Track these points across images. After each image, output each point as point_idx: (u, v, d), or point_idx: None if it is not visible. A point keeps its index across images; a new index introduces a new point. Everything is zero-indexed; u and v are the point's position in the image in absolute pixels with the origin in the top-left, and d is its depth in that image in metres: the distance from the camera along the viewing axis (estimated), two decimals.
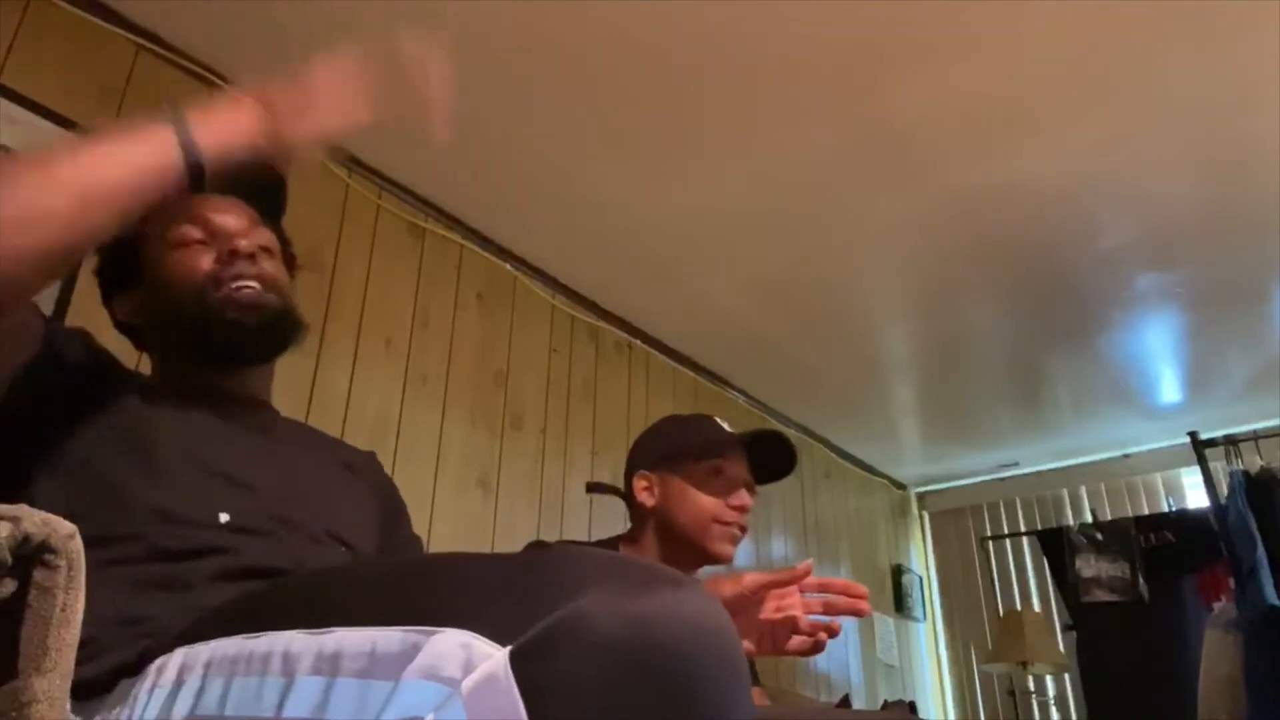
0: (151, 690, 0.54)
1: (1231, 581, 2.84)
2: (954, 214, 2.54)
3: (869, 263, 2.81)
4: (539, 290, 2.82)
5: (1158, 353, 3.35)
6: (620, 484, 1.61)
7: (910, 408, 3.87)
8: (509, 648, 0.42)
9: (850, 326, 3.18)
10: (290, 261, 1.11)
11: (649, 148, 2.30)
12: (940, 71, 2.05)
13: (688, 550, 1.49)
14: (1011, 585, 4.28)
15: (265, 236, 1.04)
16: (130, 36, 1.94)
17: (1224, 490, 3.00)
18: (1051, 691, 3.90)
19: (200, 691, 0.51)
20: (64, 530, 0.58)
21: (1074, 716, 3.86)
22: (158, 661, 0.55)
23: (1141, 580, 3.42)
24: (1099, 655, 3.44)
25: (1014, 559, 4.33)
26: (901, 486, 4.66)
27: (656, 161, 2.35)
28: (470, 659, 0.42)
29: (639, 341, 3.16)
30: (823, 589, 1.08)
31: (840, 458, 4.19)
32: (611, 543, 1.59)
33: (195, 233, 0.99)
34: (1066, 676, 3.83)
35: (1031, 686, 3.92)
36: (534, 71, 2.05)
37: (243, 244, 0.97)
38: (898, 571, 4.30)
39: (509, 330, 2.69)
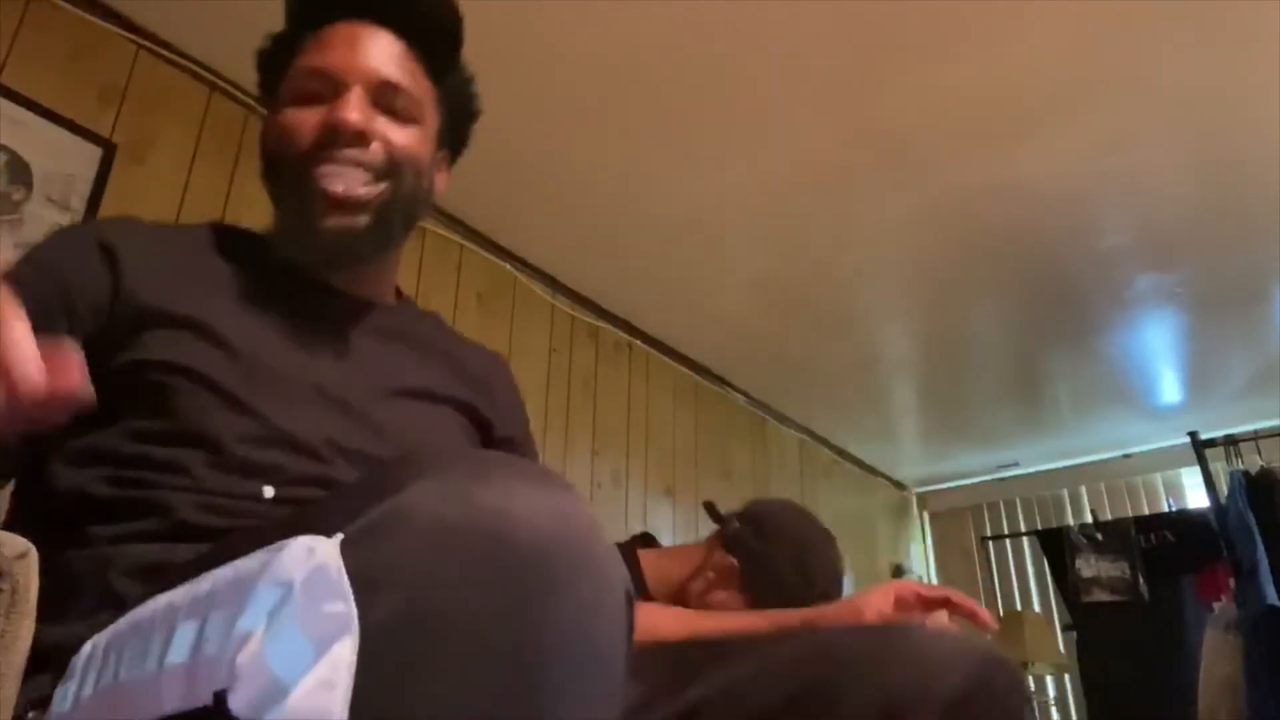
0: (66, 688, 0.52)
1: (1231, 581, 2.84)
2: (954, 213, 2.54)
3: (869, 262, 2.81)
4: (539, 290, 2.82)
5: (1158, 353, 3.34)
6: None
7: (910, 407, 3.86)
8: (339, 537, 0.42)
9: (850, 326, 3.18)
10: (463, 113, 0.92)
11: (649, 148, 2.30)
12: (940, 71, 2.05)
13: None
14: (1011, 585, 4.28)
15: (398, 96, 0.81)
16: (130, 36, 1.93)
17: (1224, 490, 3.00)
18: (1051, 691, 3.90)
19: (100, 673, 0.49)
20: (12, 551, 0.55)
21: (1074, 716, 3.86)
22: (72, 660, 0.54)
23: (1141, 580, 3.42)
24: (1099, 655, 3.43)
25: (1014, 559, 4.33)
26: (901, 486, 4.66)
27: (657, 161, 2.34)
28: (310, 557, 0.42)
29: (639, 341, 3.16)
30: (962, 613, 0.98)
31: (840, 458, 4.18)
32: (630, 546, 1.56)
33: (313, 82, 0.79)
34: (1066, 676, 3.83)
35: (1031, 686, 3.92)
36: (534, 72, 2.05)
37: (353, 117, 0.76)
38: (898, 572, 4.29)
39: (509, 330, 2.68)
